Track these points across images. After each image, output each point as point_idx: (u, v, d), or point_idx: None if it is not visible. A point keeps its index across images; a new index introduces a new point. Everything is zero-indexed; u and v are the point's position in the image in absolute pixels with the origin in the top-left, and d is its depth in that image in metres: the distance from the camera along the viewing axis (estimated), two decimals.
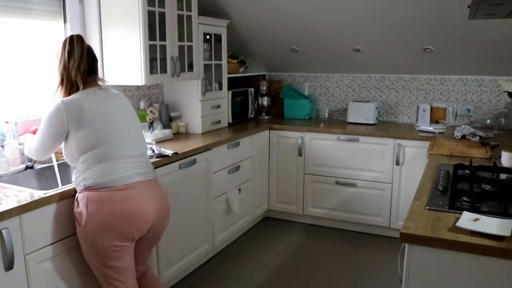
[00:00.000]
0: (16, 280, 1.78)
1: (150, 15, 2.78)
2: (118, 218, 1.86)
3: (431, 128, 3.55)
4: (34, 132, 2.51)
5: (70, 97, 1.93)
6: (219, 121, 3.71)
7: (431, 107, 3.59)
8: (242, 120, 4.08)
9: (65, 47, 1.95)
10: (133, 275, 2.02)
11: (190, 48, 3.19)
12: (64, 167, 2.51)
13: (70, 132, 1.91)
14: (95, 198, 1.85)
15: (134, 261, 2.02)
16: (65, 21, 2.77)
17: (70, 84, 1.95)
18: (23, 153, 2.34)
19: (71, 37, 1.97)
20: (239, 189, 3.50)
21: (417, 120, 3.68)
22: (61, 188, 1.99)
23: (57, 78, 1.97)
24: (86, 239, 1.89)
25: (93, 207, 1.85)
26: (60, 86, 1.96)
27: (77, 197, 1.92)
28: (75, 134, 1.90)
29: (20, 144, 2.35)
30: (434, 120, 3.58)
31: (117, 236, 1.87)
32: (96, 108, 1.93)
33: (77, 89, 1.95)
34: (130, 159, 1.96)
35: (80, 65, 1.94)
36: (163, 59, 2.95)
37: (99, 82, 2.05)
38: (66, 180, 2.45)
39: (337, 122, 4.09)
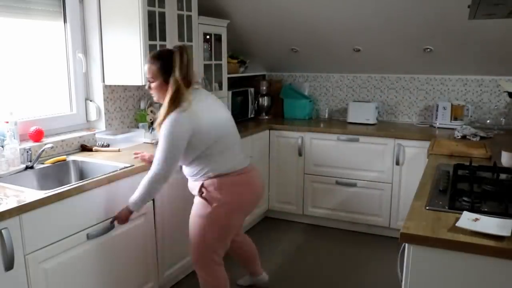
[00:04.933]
0: (16, 280, 1.78)
1: (150, 15, 2.78)
2: (245, 198, 2.21)
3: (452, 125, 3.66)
4: (34, 132, 2.51)
5: None
6: None
7: (452, 105, 3.70)
8: (242, 120, 4.07)
9: None
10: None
11: (190, 48, 3.19)
12: (62, 167, 2.52)
13: None
14: (228, 183, 2.13)
15: None
16: (65, 21, 2.77)
17: None
18: (23, 153, 2.35)
19: None
20: None
21: (436, 117, 3.74)
22: (61, 188, 1.99)
23: None
24: (215, 217, 2.14)
25: (227, 189, 2.12)
26: None
27: (202, 185, 2.16)
28: None
29: None
30: (454, 117, 3.70)
31: (243, 212, 2.24)
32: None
33: None
34: (235, 146, 2.25)
35: None
36: None
37: None
38: (66, 180, 2.46)
39: (337, 122, 4.09)
